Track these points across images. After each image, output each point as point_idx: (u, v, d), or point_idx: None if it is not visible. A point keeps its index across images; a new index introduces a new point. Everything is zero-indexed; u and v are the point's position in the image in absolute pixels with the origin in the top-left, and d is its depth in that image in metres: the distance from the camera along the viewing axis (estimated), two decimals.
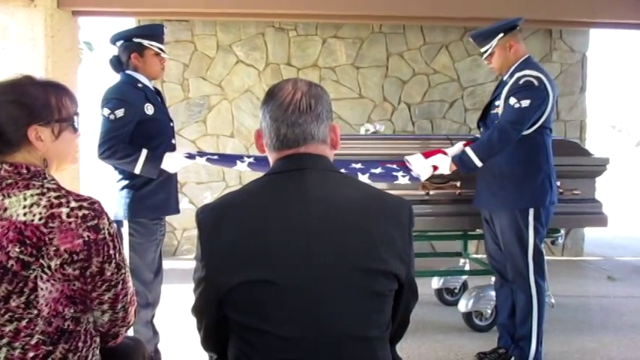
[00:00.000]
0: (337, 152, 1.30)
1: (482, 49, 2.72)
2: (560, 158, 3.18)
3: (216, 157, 2.68)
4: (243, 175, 5.52)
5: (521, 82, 2.55)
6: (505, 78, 2.68)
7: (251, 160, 2.63)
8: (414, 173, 2.69)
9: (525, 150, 2.59)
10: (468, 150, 2.59)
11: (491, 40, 2.66)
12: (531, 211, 2.60)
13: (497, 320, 2.90)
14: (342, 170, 2.62)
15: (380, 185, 2.97)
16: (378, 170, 2.70)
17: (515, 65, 2.65)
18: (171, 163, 2.47)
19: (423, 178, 2.70)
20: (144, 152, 2.39)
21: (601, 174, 3.35)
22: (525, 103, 2.50)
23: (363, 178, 2.63)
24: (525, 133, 2.57)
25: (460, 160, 2.61)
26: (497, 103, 2.66)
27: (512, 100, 2.53)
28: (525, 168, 2.59)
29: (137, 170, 2.39)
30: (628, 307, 3.88)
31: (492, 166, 2.65)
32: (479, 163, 2.57)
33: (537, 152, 2.61)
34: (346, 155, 2.90)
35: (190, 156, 2.57)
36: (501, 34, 2.65)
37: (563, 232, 3.42)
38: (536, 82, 2.53)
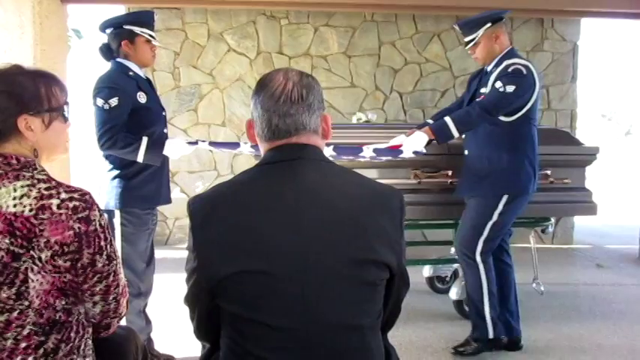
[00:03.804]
0: (329, 142, 1.30)
1: (468, 39, 2.73)
2: (550, 147, 3.20)
3: (217, 142, 2.69)
4: (235, 164, 5.51)
5: (510, 69, 2.57)
6: (490, 68, 2.70)
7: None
8: (415, 149, 2.65)
9: (512, 138, 2.63)
10: (447, 119, 2.59)
11: (478, 29, 2.67)
12: (505, 197, 2.64)
13: None
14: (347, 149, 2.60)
15: (371, 175, 2.98)
16: (383, 145, 2.67)
17: (500, 56, 2.67)
18: (173, 149, 2.45)
19: (421, 148, 2.65)
20: (144, 140, 2.36)
21: (591, 163, 3.37)
22: (510, 88, 2.52)
23: (368, 151, 2.60)
24: (510, 120, 2.60)
25: (438, 128, 2.60)
26: (482, 90, 2.68)
27: (498, 84, 2.56)
28: (512, 156, 2.63)
29: (140, 159, 2.36)
30: (616, 295, 3.93)
31: (480, 154, 2.68)
32: (456, 134, 2.58)
33: (524, 141, 2.65)
34: (338, 145, 2.88)
35: (192, 142, 2.56)
36: (489, 24, 2.66)
37: (553, 220, 3.45)
38: (524, 70, 2.56)
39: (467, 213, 2.76)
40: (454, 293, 3.28)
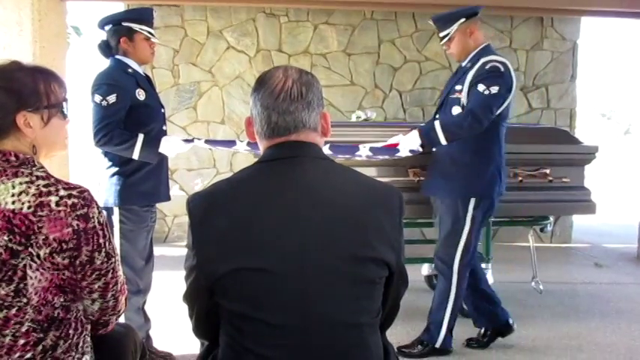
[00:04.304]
0: (328, 139, 1.30)
1: (443, 34, 2.69)
2: (549, 146, 3.20)
3: (213, 140, 2.68)
4: (234, 161, 5.51)
5: (487, 67, 2.52)
6: (464, 64, 2.66)
7: (248, 140, 2.60)
8: (411, 148, 2.63)
9: (480, 140, 2.55)
10: (437, 125, 2.52)
11: (452, 24, 2.64)
12: (472, 201, 2.60)
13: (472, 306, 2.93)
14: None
15: (370, 173, 2.98)
16: (380, 144, 2.66)
17: (476, 52, 2.62)
18: (169, 147, 2.44)
19: (417, 147, 2.60)
20: (140, 137, 2.35)
21: (590, 162, 3.37)
22: (494, 89, 2.47)
23: (365, 150, 2.58)
24: None
25: (427, 133, 2.54)
26: (457, 87, 2.62)
27: (481, 87, 2.49)
28: (478, 158, 2.58)
29: (135, 156, 2.35)
30: (614, 294, 3.93)
31: (446, 153, 2.64)
32: (443, 142, 2.51)
33: (491, 142, 2.59)
34: (337, 143, 2.88)
35: (188, 140, 2.55)
36: (462, 19, 2.62)
37: (552, 219, 3.45)
38: (502, 68, 2.51)
39: (441, 223, 2.72)
40: None
